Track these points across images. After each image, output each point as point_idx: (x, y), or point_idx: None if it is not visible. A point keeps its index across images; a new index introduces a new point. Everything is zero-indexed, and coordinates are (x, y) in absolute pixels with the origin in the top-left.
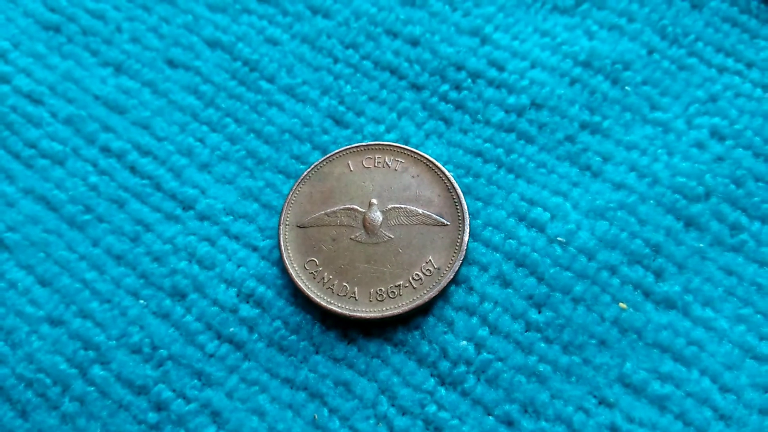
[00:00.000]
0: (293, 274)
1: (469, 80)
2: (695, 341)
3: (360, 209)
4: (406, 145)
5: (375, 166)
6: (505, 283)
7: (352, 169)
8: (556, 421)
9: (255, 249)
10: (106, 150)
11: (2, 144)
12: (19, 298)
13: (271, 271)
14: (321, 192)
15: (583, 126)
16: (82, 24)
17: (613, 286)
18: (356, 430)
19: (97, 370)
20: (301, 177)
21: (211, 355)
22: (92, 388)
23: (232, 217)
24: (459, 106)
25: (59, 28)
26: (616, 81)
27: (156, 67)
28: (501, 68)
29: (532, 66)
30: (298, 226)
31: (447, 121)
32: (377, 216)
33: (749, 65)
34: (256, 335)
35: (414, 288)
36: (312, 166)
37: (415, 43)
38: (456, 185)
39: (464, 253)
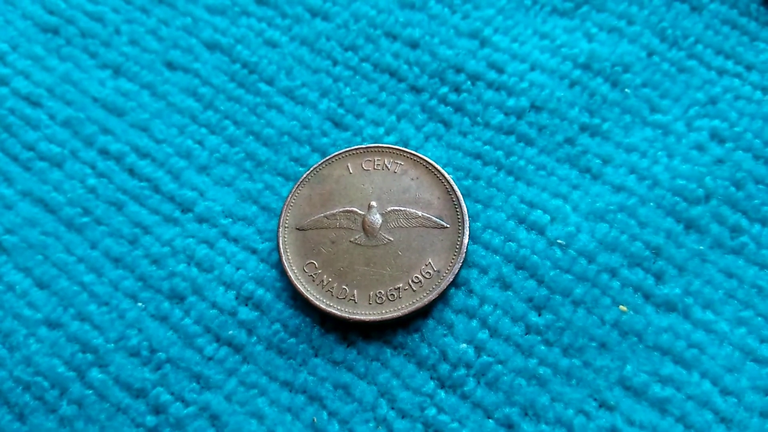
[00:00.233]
0: (292, 277)
1: (469, 82)
2: (696, 344)
3: (359, 212)
4: (405, 147)
5: (374, 169)
6: (505, 286)
7: (351, 171)
8: (556, 424)
9: (254, 251)
10: (104, 152)
11: (1, 146)
12: (17, 301)
13: (270, 274)
14: (320, 194)
15: (583, 128)
16: (81, 26)
17: (614, 289)
18: None
19: (95, 373)
20: (301, 179)
21: (210, 358)
22: (90, 391)
23: (231, 220)
24: (458, 109)
25: (58, 30)
26: (615, 83)
27: (155, 69)
28: (500, 70)
29: (532, 68)
30: (298, 229)
31: (446, 124)
32: (377, 218)
33: (749, 68)
34: (255, 338)
35: (413, 291)
36: (311, 169)
37: (414, 45)
38: (455, 187)
39: (464, 255)
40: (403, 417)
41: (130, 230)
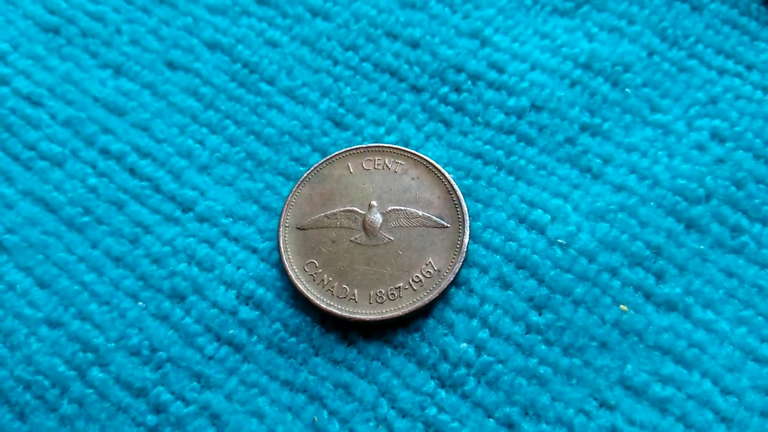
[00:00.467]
0: (293, 276)
1: (469, 82)
2: (696, 343)
3: (360, 211)
4: (406, 147)
5: (375, 168)
6: (506, 285)
7: (352, 171)
8: (556, 423)
9: (254, 251)
10: (105, 152)
11: (2, 146)
12: (18, 300)
13: (271, 273)
14: (321, 194)
15: (584, 128)
16: (82, 26)
17: (614, 288)
18: None
19: (96, 372)
20: (301, 179)
21: (211, 357)
22: (91, 390)
23: (231, 219)
24: (459, 108)
25: (59, 30)
26: (616, 83)
27: (156, 69)
28: (501, 70)
29: (532, 68)
30: (298, 228)
31: (447, 123)
32: (377, 218)
33: (749, 67)
34: (256, 337)
35: (414, 290)
36: (312, 168)
37: (415, 45)
38: (456, 187)
39: (464, 255)
40: (403, 416)
41: (130, 230)
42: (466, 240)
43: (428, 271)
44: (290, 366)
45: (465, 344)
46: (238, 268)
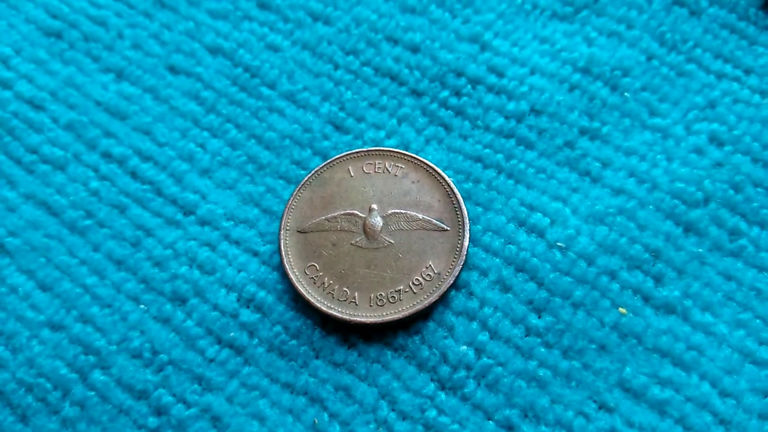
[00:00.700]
0: (293, 279)
1: (469, 86)
2: (695, 346)
3: (360, 214)
4: (406, 150)
5: (375, 172)
6: (505, 288)
7: (352, 174)
8: (556, 425)
9: (255, 254)
10: (107, 155)
11: (4, 149)
12: (20, 303)
13: (272, 276)
14: (321, 197)
15: (583, 132)
16: (84, 30)
17: (613, 291)
18: None
19: (97, 375)
20: (302, 182)
21: (212, 360)
22: (92, 393)
23: (232, 222)
24: (459, 112)
25: (61, 35)
26: (615, 87)
27: (157, 74)
28: (500, 74)
29: (532, 72)
30: (299, 231)
31: (447, 127)
32: (377, 221)
33: (747, 71)
34: (257, 340)
35: (414, 293)
36: (312, 172)
37: (415, 49)
38: (456, 190)
39: (464, 258)
40: (403, 419)
41: (132, 233)
42: (466, 243)
43: (428, 274)
44: (291, 368)
45: (465, 347)
46: (239, 271)
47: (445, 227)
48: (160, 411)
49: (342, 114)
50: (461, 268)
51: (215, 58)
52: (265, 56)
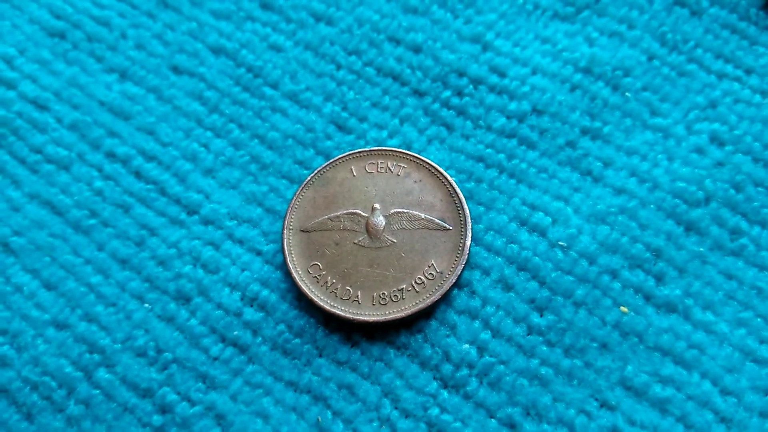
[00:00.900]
0: (297, 278)
1: (471, 86)
2: (696, 344)
3: (363, 214)
4: (408, 150)
5: (378, 171)
6: (507, 287)
7: (355, 174)
8: (558, 423)
9: (259, 253)
10: (111, 155)
11: (8, 149)
12: (25, 302)
13: (275, 275)
14: (324, 197)
15: (584, 132)
16: (87, 30)
17: (614, 290)
18: None
19: (102, 373)
20: (305, 182)
21: (216, 359)
22: (97, 391)
23: (236, 222)
24: (461, 112)
25: (64, 35)
26: (616, 87)
27: (161, 74)
28: (502, 74)
29: (533, 72)
30: (302, 231)
31: (449, 127)
32: (380, 220)
33: (748, 71)
34: (260, 338)
35: (417, 292)
36: (315, 171)
37: (417, 49)
38: (458, 190)
39: (466, 257)
40: (406, 417)
41: (136, 232)
42: (468, 242)
43: (431, 273)
44: (294, 367)
45: (467, 345)
46: (243, 270)
47: (448, 226)
48: (164, 409)
49: (344, 114)
50: (463, 267)
51: (218, 59)
52: (268, 56)
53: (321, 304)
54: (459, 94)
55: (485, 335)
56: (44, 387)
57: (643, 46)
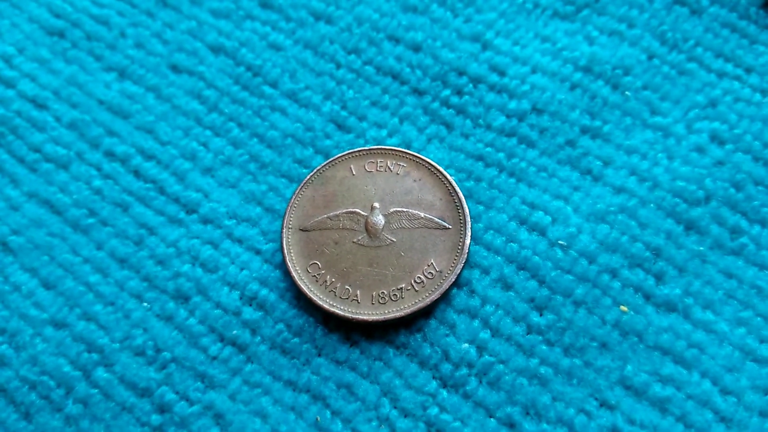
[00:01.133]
0: (296, 277)
1: (471, 85)
2: (696, 344)
3: (362, 213)
4: (408, 149)
5: (377, 170)
6: (507, 286)
7: (354, 173)
8: (557, 423)
9: (258, 252)
10: (110, 154)
11: (7, 148)
12: (23, 301)
13: (274, 274)
14: (323, 196)
15: (584, 130)
16: (87, 29)
17: (614, 289)
18: None
19: (100, 373)
20: (304, 181)
21: (214, 358)
22: (96, 390)
23: (235, 221)
24: (460, 111)
25: (63, 34)
26: (616, 86)
27: (160, 72)
28: (502, 73)
29: (533, 71)
30: (301, 230)
31: (448, 126)
32: (379, 219)
33: (748, 70)
34: (259, 338)
35: (416, 291)
36: (315, 170)
37: (416, 48)
38: (457, 189)
39: (466, 256)
40: (405, 416)
41: (135, 231)
42: (468, 241)
43: (430, 272)
44: (293, 366)
45: (466, 345)
46: (242, 270)
47: (447, 225)
48: (163, 408)
49: (344, 113)
50: (463, 266)
51: (217, 57)
52: (267, 55)
53: (320, 303)
54: (458, 92)
55: (484, 334)
56: (43, 386)
57: (643, 45)
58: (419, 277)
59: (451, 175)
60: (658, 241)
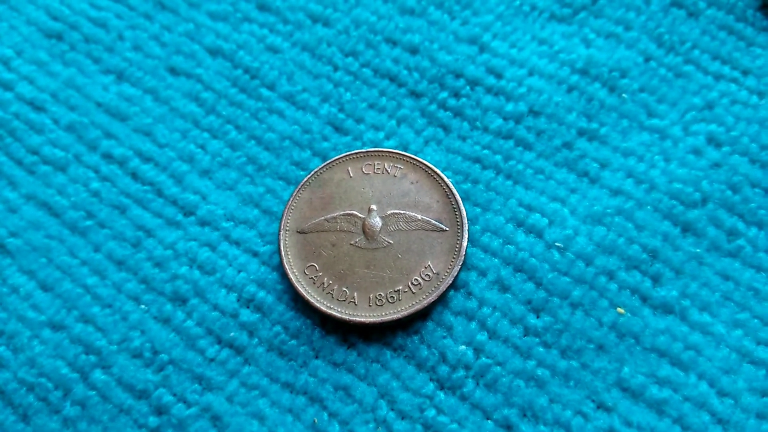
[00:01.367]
0: (293, 279)
1: (468, 87)
2: (693, 346)
3: (359, 215)
4: (405, 151)
5: (374, 173)
6: (504, 288)
7: (351, 175)
8: (554, 425)
9: (255, 254)
10: (107, 156)
11: (5, 150)
12: (21, 303)
13: (272, 277)
14: (321, 198)
15: (581, 133)
16: (85, 32)
17: (611, 291)
18: None
19: (98, 375)
20: (301, 183)
21: (212, 360)
22: (93, 393)
23: (232, 223)
24: (457, 113)
25: (61, 36)
26: (613, 88)
27: (158, 75)
28: (499, 76)
29: (530, 73)
30: (298, 232)
31: (446, 128)
32: (377, 221)
33: (745, 73)
34: (256, 340)
35: (413, 293)
36: (312, 173)
37: (414, 51)
38: (455, 191)
39: (463, 258)
40: (402, 418)
41: (133, 233)
42: (465, 243)
43: (427, 275)
44: (291, 368)
45: (464, 346)
46: (239, 272)
47: (444, 228)
48: (160, 410)
49: (341, 115)
50: (460, 268)
51: (215, 60)
52: (265, 58)
53: (317, 305)
54: (456, 95)
55: (482, 336)
56: (40, 388)
57: (640, 48)
58: (416, 279)
59: (448, 178)
60: (655, 243)
